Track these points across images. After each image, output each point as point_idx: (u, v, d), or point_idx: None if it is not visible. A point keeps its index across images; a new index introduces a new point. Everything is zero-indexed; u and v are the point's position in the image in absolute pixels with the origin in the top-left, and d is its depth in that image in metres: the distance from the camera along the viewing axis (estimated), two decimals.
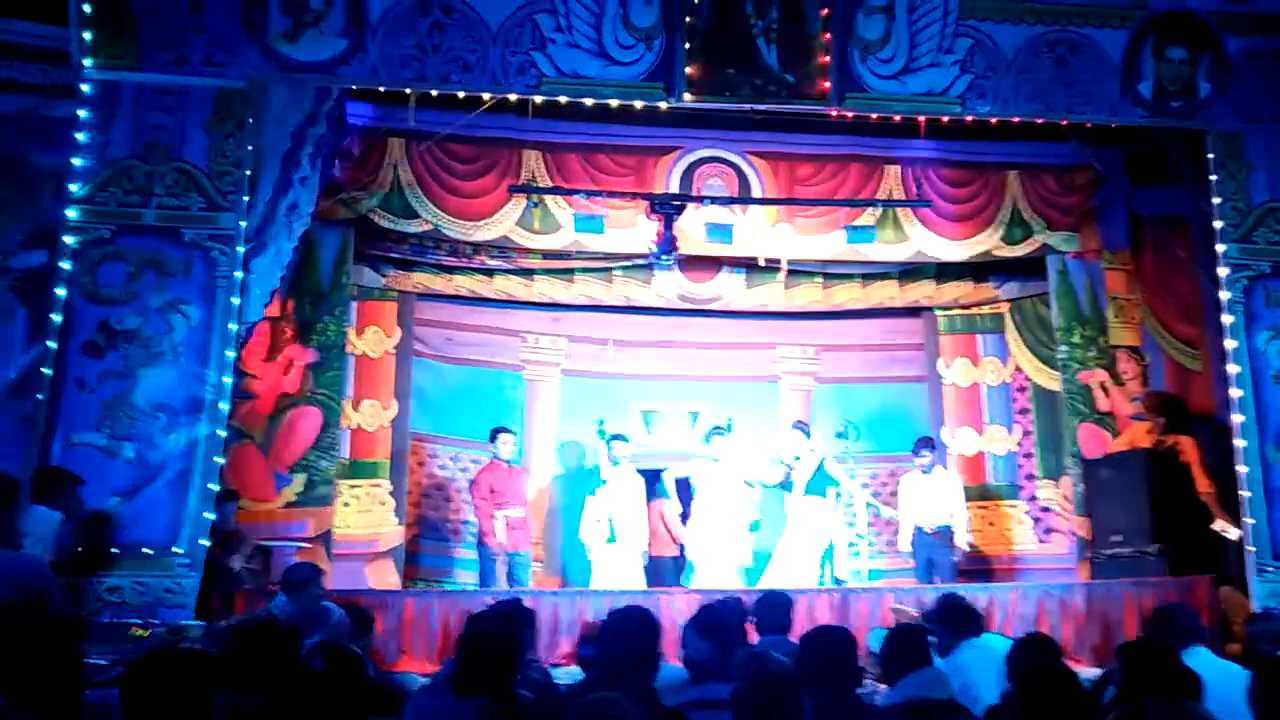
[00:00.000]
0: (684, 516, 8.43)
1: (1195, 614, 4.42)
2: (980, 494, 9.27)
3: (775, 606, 4.81)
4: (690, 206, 8.11)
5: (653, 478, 8.64)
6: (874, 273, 9.29)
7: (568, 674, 5.38)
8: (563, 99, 7.04)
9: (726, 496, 8.24)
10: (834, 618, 6.71)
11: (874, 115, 7.49)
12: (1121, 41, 7.17)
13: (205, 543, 5.97)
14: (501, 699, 3.16)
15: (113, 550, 5.61)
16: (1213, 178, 7.33)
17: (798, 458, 8.31)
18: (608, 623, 3.69)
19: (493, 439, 8.35)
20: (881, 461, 8.75)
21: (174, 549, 5.84)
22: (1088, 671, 5.23)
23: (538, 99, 7.05)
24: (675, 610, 6.44)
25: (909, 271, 9.28)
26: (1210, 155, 7.37)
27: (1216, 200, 7.32)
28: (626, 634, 3.43)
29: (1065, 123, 7.51)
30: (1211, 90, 7.25)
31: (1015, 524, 9.17)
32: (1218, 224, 7.30)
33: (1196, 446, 7.73)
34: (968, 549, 8.35)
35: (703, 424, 9.29)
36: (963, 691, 3.84)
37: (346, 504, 8.18)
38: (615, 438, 8.40)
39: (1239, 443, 6.94)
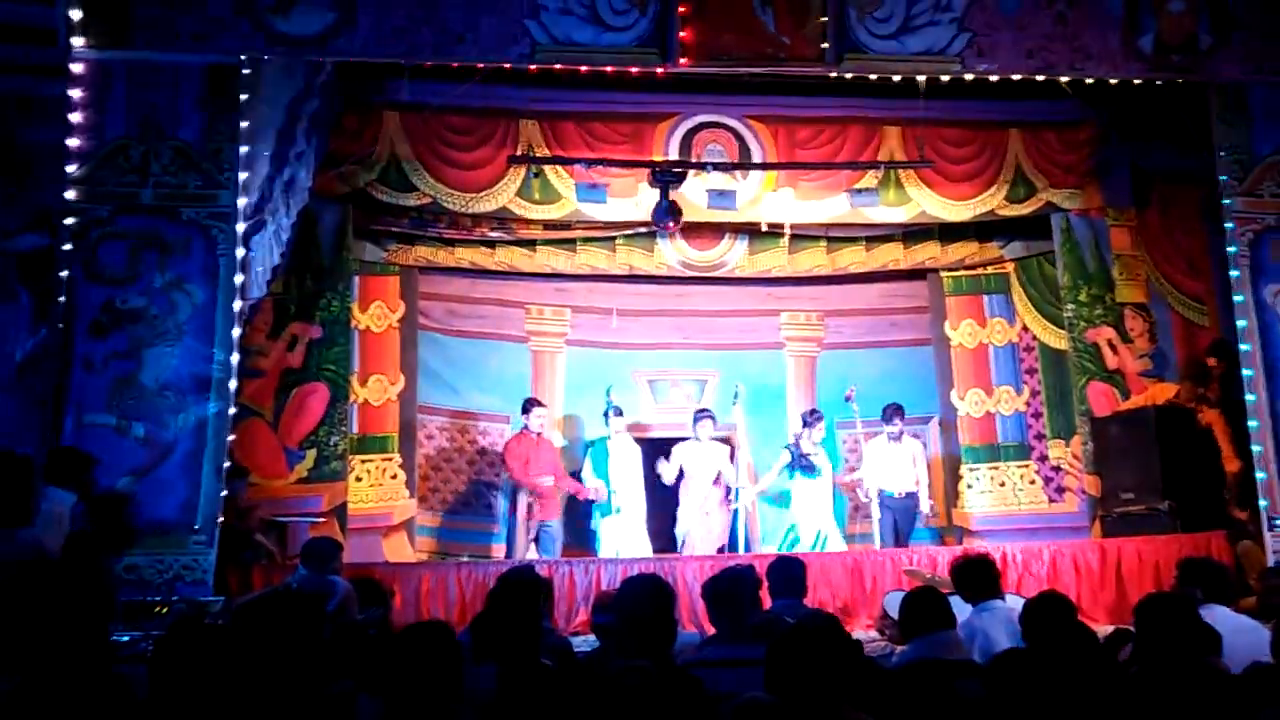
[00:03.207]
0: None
1: (1224, 569, 4.45)
2: (990, 454, 9.29)
3: (788, 570, 4.82)
4: (691, 173, 8.05)
5: (659, 448, 8.64)
6: (878, 235, 9.24)
7: (584, 642, 5.41)
8: (558, 66, 6.96)
9: (711, 478, 8.26)
10: (847, 580, 6.76)
11: (873, 76, 7.41)
12: None
13: (221, 519, 6.00)
14: (519, 664, 3.17)
15: (129, 529, 5.63)
16: (1216, 132, 7.29)
17: (789, 445, 8.31)
18: (623, 590, 3.70)
19: (525, 410, 8.28)
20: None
21: (191, 526, 5.89)
22: (1102, 629, 5.26)
23: (532, 67, 6.96)
24: (689, 576, 6.49)
25: (913, 233, 9.23)
26: (1213, 108, 7.32)
27: (1220, 154, 7.28)
28: (643, 601, 3.43)
29: (1066, 79, 7.44)
30: (1213, 43, 7.18)
31: (1026, 483, 9.19)
32: (1222, 177, 7.26)
33: (1223, 419, 7.63)
34: (931, 515, 8.54)
35: (710, 393, 9.28)
36: (983, 652, 3.85)
37: (359, 479, 8.20)
38: (610, 409, 8.37)
39: (1249, 397, 6.94)
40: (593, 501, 8.24)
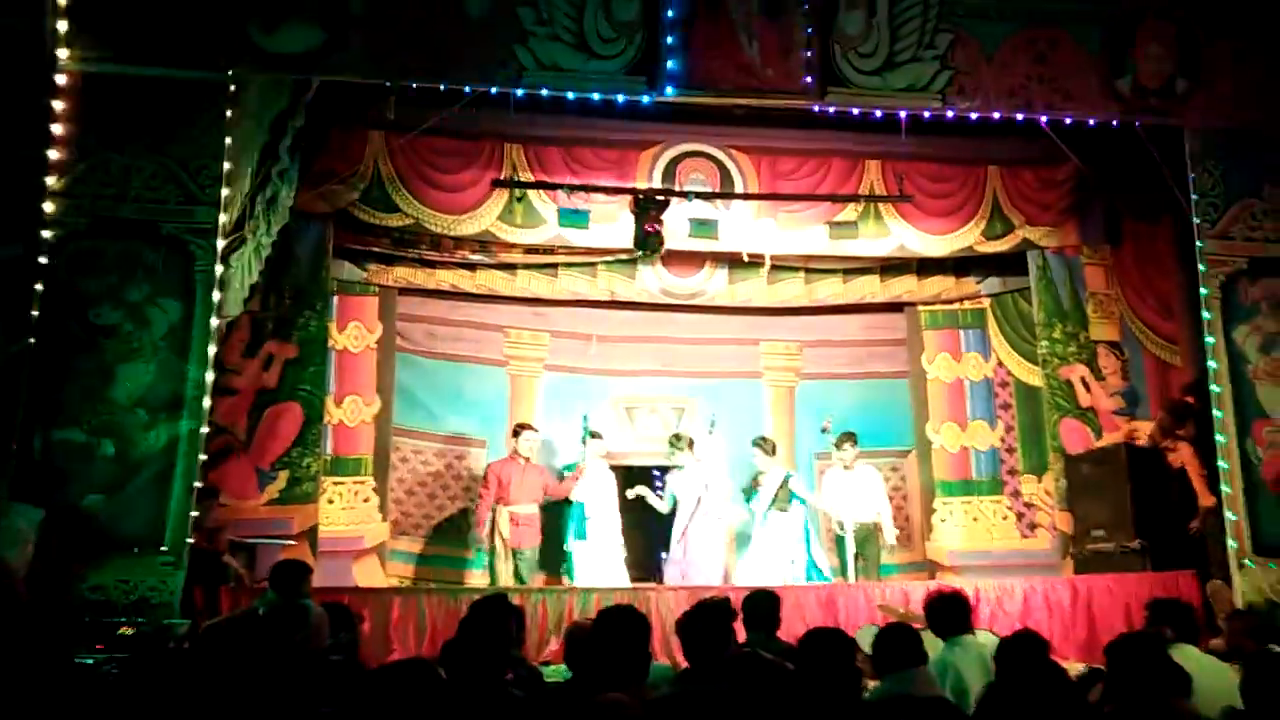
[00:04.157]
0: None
1: (1193, 610, 4.48)
2: (964, 489, 9.33)
3: (763, 604, 4.80)
4: (673, 201, 8.09)
5: (635, 476, 8.63)
6: (856, 268, 9.31)
7: (555, 672, 5.35)
8: (544, 92, 6.99)
9: (695, 504, 8.19)
10: (821, 614, 6.73)
11: (855, 110, 7.49)
12: (1100, 38, 7.22)
13: (190, 540, 5.91)
14: (489, 691, 3.14)
15: (95, 548, 5.54)
16: (1190, 174, 7.41)
17: (758, 474, 8.27)
18: (599, 621, 3.67)
19: (516, 434, 8.19)
20: (864, 458, 8.72)
21: (159, 547, 5.79)
22: (1074, 667, 5.27)
23: (519, 92, 6.99)
24: (663, 607, 6.45)
25: (890, 267, 9.31)
26: (1187, 151, 7.44)
27: (1194, 196, 7.39)
28: (618, 633, 3.41)
29: (1045, 119, 7.55)
30: (1189, 87, 7.33)
31: (999, 519, 9.23)
32: (1194, 220, 7.37)
33: (1196, 456, 7.72)
34: (893, 544, 8.33)
35: (688, 421, 9.27)
36: (954, 689, 3.85)
37: (331, 501, 8.12)
38: (588, 435, 8.35)
39: (1219, 438, 7.01)
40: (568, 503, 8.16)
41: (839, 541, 8.10)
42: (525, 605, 6.26)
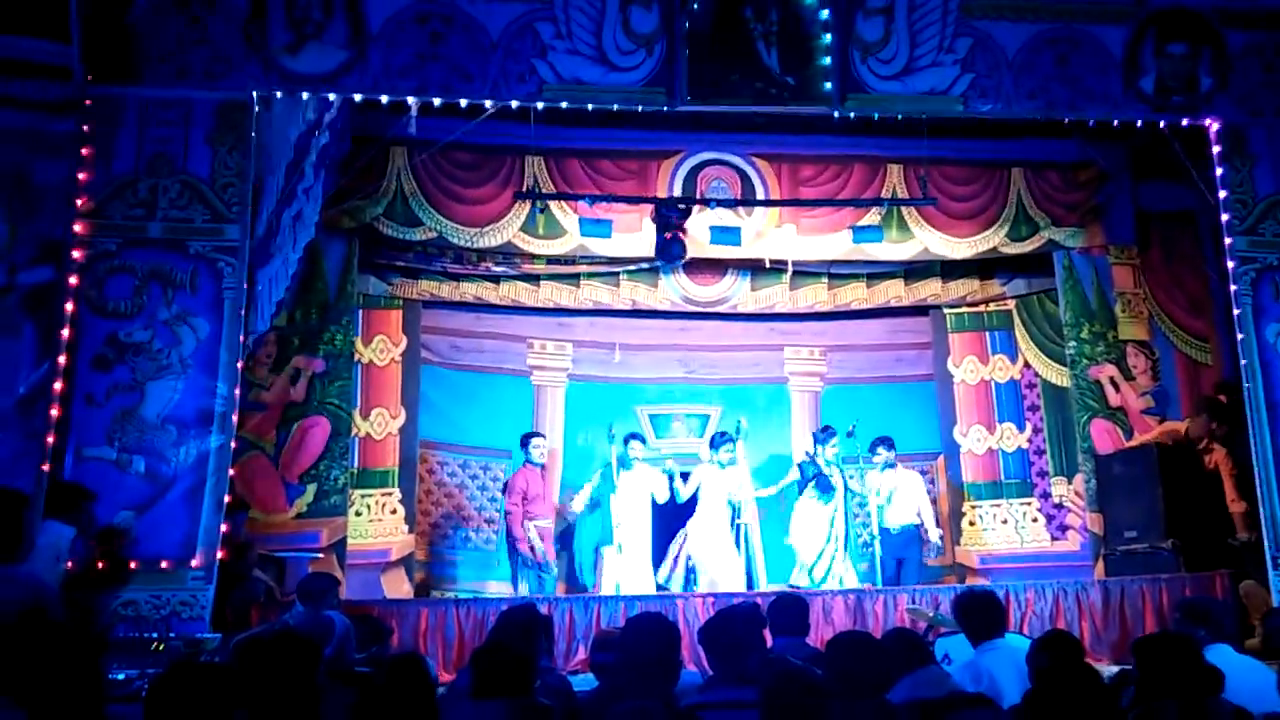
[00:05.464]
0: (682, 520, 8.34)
1: (1227, 609, 4.41)
2: (993, 491, 9.26)
3: (790, 608, 4.78)
4: (695, 209, 8.11)
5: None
6: (879, 272, 9.28)
7: (584, 680, 5.36)
8: (564, 105, 7.03)
9: (724, 505, 8.20)
10: (849, 620, 6.70)
11: (876, 115, 7.47)
12: (1122, 38, 7.18)
13: (220, 555, 5.97)
14: (522, 701, 3.15)
15: (128, 564, 5.61)
16: (1217, 171, 7.34)
17: (803, 463, 8.28)
18: (628, 629, 3.68)
19: (524, 445, 8.21)
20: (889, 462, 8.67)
21: (190, 562, 5.86)
22: (1106, 669, 5.21)
23: (540, 106, 7.03)
24: (690, 614, 6.44)
25: (914, 270, 9.27)
26: (1214, 149, 7.37)
27: (1222, 194, 7.33)
28: (648, 640, 3.41)
29: (1068, 119, 7.51)
30: (1213, 84, 7.26)
31: (1029, 521, 9.15)
32: (1224, 217, 7.30)
33: (1229, 458, 7.62)
34: (939, 544, 8.30)
35: (714, 429, 9.26)
36: (989, 693, 3.81)
37: (358, 513, 8.17)
38: (631, 436, 8.35)
39: (1253, 437, 6.92)
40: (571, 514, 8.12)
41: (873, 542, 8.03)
42: (553, 614, 6.29)
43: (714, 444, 8.40)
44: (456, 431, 9.03)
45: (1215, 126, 7.36)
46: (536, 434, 8.39)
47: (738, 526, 8.15)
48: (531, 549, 7.92)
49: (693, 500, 8.30)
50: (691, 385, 9.55)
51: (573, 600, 7.04)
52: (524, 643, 3.54)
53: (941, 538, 8.46)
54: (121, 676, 4.28)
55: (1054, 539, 9.03)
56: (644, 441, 8.39)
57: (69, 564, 4.94)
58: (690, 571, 8.18)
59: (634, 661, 3.35)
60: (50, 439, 5.83)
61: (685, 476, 8.37)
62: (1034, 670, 3.58)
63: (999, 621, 4.35)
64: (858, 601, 6.98)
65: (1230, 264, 7.23)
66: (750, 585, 7.90)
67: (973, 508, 9.22)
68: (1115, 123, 7.50)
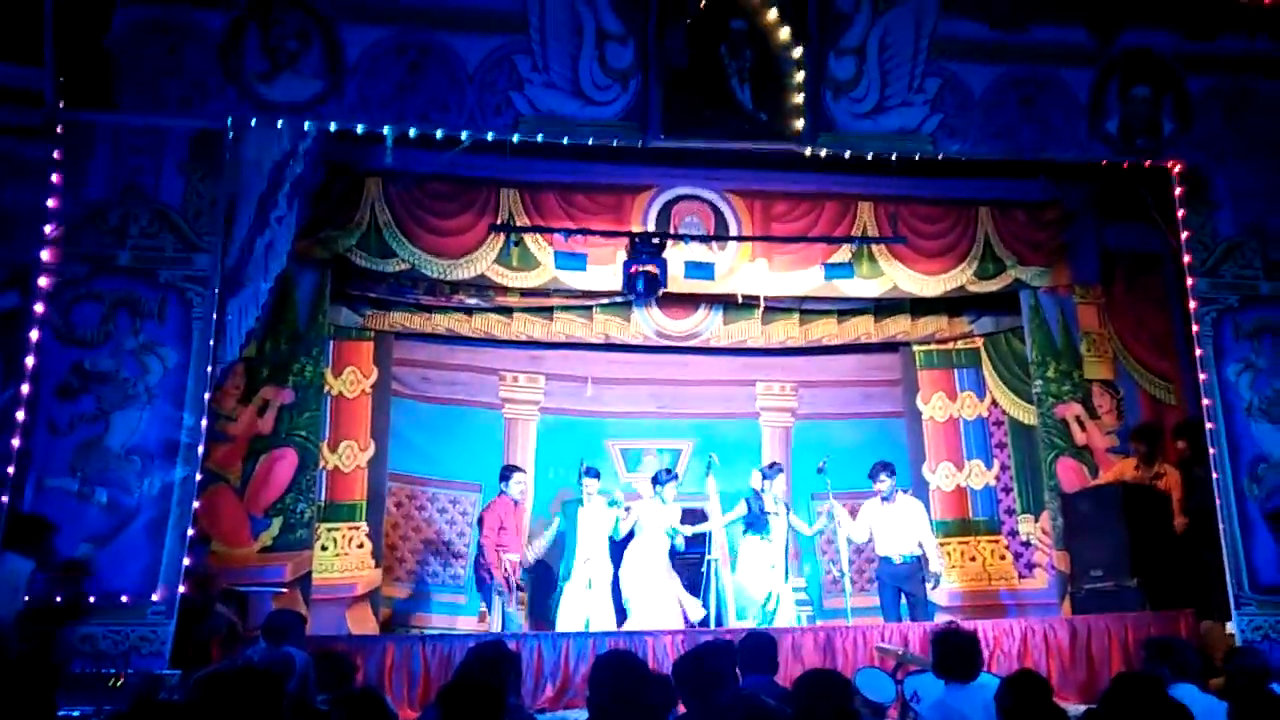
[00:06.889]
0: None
1: (1191, 648, 4.44)
2: (961, 529, 9.31)
3: (759, 646, 4.75)
4: (669, 244, 8.16)
5: None
6: (849, 309, 9.36)
7: (553, 719, 5.30)
8: (539, 138, 7.07)
9: (662, 541, 8.07)
10: (819, 657, 6.68)
11: (847, 154, 7.57)
12: (1087, 81, 7.35)
13: (181, 589, 5.86)
14: None
15: (87, 598, 5.49)
16: (1179, 213, 7.49)
17: (748, 497, 8.16)
18: (593, 671, 3.64)
19: (505, 478, 8.05)
20: (861, 498, 8.71)
21: (151, 596, 5.75)
22: (1074, 708, 5.22)
23: (515, 137, 7.07)
24: (661, 651, 6.40)
25: (884, 307, 9.35)
26: (1176, 191, 7.53)
27: (1184, 235, 7.49)
28: (613, 681, 3.38)
29: (1033, 159, 7.64)
30: (1175, 128, 7.44)
31: (996, 559, 9.19)
32: (1186, 259, 7.44)
33: (1181, 482, 7.78)
34: (942, 575, 8.17)
35: (684, 463, 9.24)
36: None
37: (324, 547, 8.05)
38: (587, 472, 8.20)
39: (1214, 475, 7.02)
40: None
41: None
42: (520, 651, 6.20)
43: (657, 480, 8.25)
44: (427, 464, 8.95)
45: (1178, 169, 7.54)
46: (516, 468, 8.28)
47: (708, 563, 8.07)
48: (506, 580, 7.80)
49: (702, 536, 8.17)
50: (663, 420, 9.54)
51: (541, 637, 6.95)
52: (493, 679, 3.50)
53: (943, 570, 8.24)
54: (78, 714, 4.18)
55: (1021, 577, 9.08)
56: (598, 476, 8.28)
57: (26, 597, 4.84)
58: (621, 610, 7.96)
59: (599, 702, 3.32)
60: (10, 469, 5.73)
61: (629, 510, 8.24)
62: (1002, 710, 3.58)
63: (976, 666, 4.27)
64: (828, 638, 6.96)
65: (1192, 305, 7.37)
66: (719, 622, 7.83)
67: (941, 544, 9.23)
68: (1080, 164, 7.64)
